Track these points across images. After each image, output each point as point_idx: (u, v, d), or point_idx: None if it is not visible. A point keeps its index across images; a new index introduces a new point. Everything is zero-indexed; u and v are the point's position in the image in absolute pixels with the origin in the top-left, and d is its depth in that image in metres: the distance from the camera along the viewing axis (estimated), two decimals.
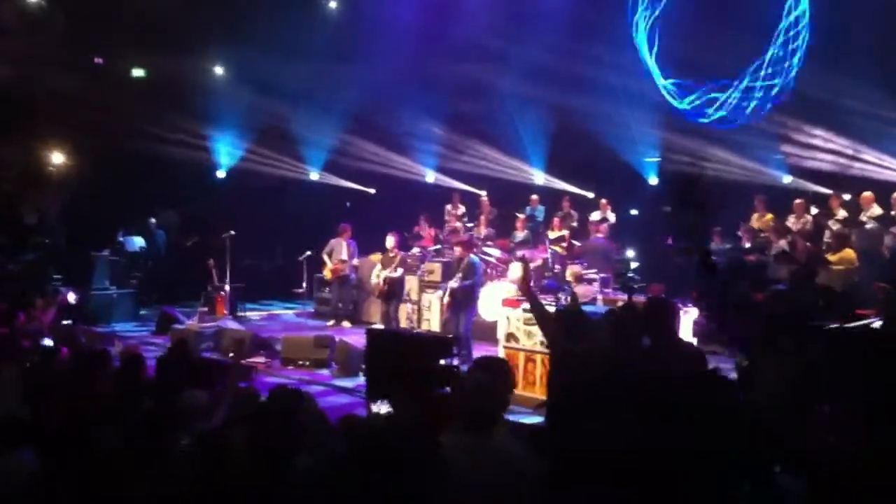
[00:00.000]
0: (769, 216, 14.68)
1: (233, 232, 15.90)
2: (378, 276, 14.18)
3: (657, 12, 15.29)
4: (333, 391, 10.48)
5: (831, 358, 5.86)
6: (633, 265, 13.80)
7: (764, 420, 5.65)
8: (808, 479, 4.30)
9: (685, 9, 15.15)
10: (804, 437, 4.99)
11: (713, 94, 15.34)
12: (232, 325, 13.51)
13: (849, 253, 12.49)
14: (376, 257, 14.74)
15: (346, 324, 15.33)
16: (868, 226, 13.24)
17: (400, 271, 14.21)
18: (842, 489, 3.62)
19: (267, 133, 19.32)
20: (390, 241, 14.33)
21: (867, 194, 13.60)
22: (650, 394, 3.13)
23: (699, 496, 2.61)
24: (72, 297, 13.78)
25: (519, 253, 13.44)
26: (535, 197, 17.89)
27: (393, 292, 14.03)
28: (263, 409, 4.35)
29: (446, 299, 12.04)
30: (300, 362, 11.73)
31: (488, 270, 14.63)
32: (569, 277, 12.28)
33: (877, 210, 13.33)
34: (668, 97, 15.91)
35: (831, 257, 12.55)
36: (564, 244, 15.66)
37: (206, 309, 15.06)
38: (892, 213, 13.11)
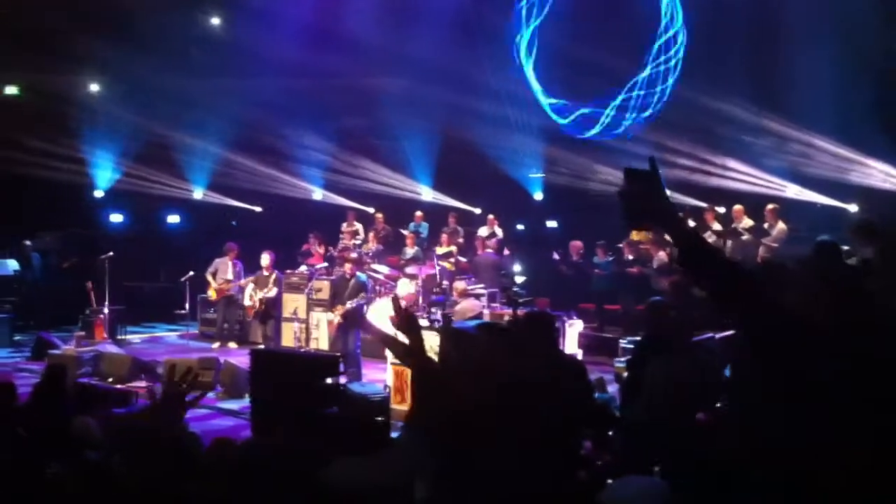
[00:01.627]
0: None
1: (112, 253, 15.41)
2: (253, 296, 14.19)
3: (534, 27, 15.59)
4: (218, 414, 10.25)
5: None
6: (520, 279, 14.06)
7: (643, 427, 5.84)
8: (686, 482, 4.44)
9: (563, 29, 15.52)
10: (681, 442, 5.16)
11: (592, 111, 15.73)
12: (111, 349, 13.05)
13: None
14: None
15: (232, 345, 15.03)
16: (743, 237, 13.78)
17: (275, 290, 14.16)
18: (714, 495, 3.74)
19: (148, 151, 18.82)
20: (265, 259, 14.30)
21: (738, 207, 14.17)
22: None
23: None
24: None
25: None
26: (419, 213, 17.95)
27: (269, 312, 14.05)
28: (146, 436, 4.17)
29: (338, 320, 11.95)
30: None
31: (377, 287, 14.63)
32: (454, 293, 12.40)
33: (748, 222, 13.89)
34: (550, 114, 16.26)
35: None
36: (452, 259, 15.82)
37: (83, 333, 14.53)
38: (765, 224, 13.67)
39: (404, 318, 3.69)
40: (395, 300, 3.28)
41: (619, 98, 14.92)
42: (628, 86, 14.87)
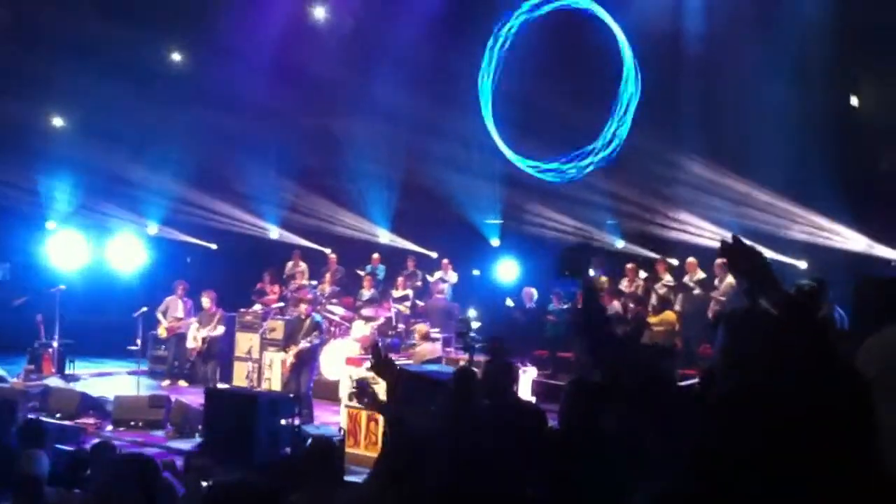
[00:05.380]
0: (604, 279, 15.30)
1: (63, 286, 15.19)
2: (195, 335, 14.15)
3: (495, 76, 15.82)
4: (168, 453, 10.10)
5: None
6: (475, 325, 14.11)
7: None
8: None
9: (525, 78, 15.76)
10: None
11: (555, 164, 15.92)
12: (60, 384, 12.84)
13: (669, 315, 13.27)
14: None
15: (182, 383, 14.87)
16: (695, 291, 14.04)
17: (221, 329, 14.12)
18: None
19: (104, 184, 18.66)
20: (206, 301, 14.32)
21: (691, 260, 14.42)
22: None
23: None
24: None
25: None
26: (376, 256, 18.01)
27: (211, 352, 14.04)
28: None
29: (291, 360, 11.90)
30: (133, 423, 11.26)
31: (332, 329, 14.62)
32: (416, 335, 12.43)
33: (700, 275, 14.15)
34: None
35: (652, 319, 13.27)
36: (408, 303, 15.86)
37: (31, 367, 14.26)
38: (716, 280, 13.93)
39: (382, 364, 3.77)
40: (375, 348, 3.38)
41: (575, 156, 15.06)
42: (589, 148, 14.96)
